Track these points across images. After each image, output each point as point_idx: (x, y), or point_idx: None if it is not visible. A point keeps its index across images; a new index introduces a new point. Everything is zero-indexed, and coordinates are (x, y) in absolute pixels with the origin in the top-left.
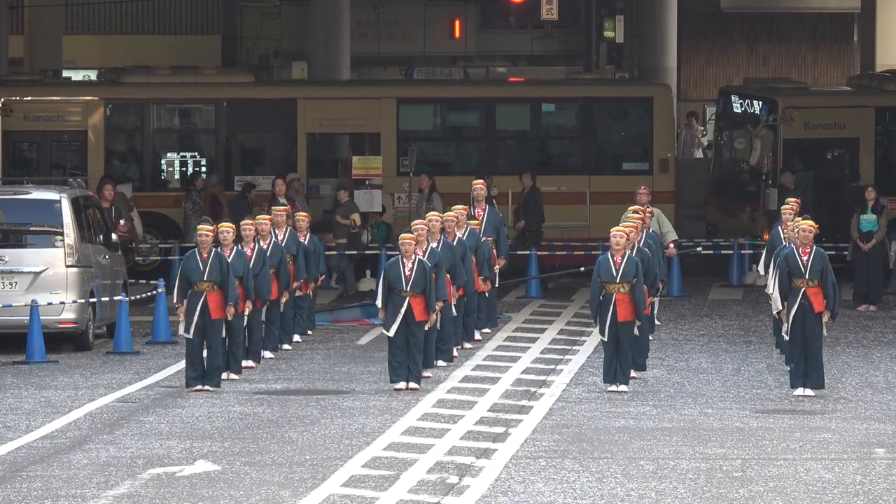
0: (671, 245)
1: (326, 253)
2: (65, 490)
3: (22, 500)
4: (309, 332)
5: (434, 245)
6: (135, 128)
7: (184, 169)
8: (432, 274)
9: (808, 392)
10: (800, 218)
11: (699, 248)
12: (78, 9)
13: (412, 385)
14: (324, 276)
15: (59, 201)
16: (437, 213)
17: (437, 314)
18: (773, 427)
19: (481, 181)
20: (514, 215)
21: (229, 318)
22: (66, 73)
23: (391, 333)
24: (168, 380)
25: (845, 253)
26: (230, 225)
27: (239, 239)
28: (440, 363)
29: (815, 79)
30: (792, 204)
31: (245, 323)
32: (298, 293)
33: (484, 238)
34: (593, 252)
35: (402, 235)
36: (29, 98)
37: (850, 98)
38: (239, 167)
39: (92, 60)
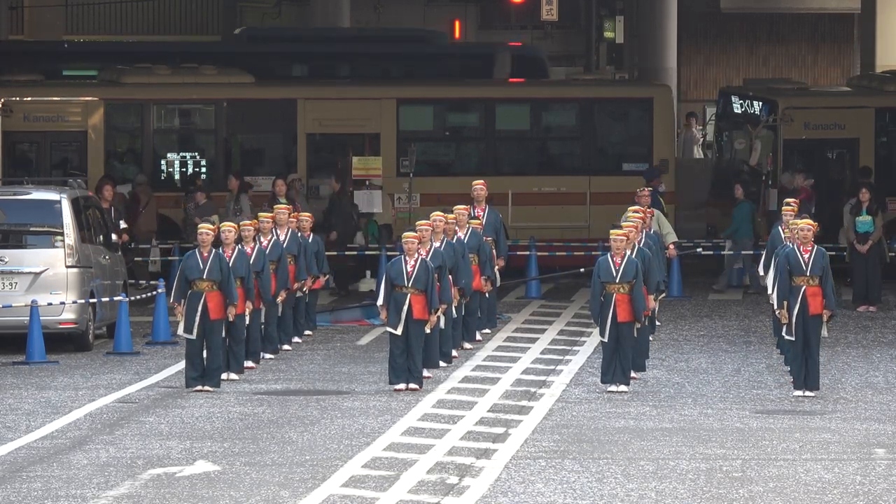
0: (671, 246)
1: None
2: (65, 490)
3: (22, 500)
4: (308, 333)
5: (437, 245)
6: (135, 128)
7: (184, 169)
8: (434, 275)
9: (808, 393)
10: (797, 219)
11: (699, 249)
12: (78, 9)
13: (412, 385)
14: (328, 276)
15: (59, 202)
16: (441, 214)
17: (437, 317)
18: (773, 427)
19: (481, 182)
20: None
21: (231, 319)
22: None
23: (399, 332)
24: (168, 380)
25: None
26: (232, 225)
27: (240, 239)
28: (440, 363)
29: (816, 79)
30: (793, 205)
31: (247, 323)
32: (299, 294)
33: (484, 238)
34: (593, 253)
35: (405, 234)
36: (29, 98)
37: (851, 98)
38: (239, 167)
39: None
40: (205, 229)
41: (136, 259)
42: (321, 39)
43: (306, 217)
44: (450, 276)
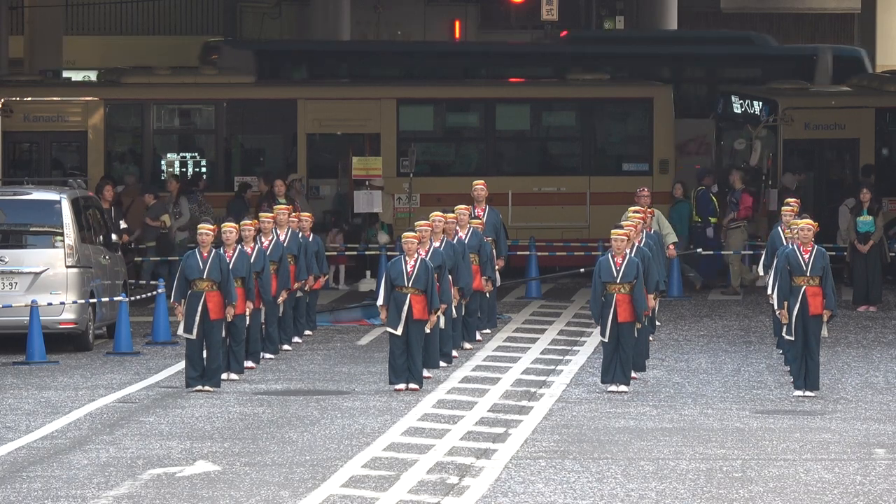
0: (671, 247)
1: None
2: (65, 490)
3: (22, 501)
4: (308, 333)
5: (437, 245)
6: (135, 128)
7: (184, 169)
8: (435, 275)
9: (808, 393)
10: (797, 219)
11: (699, 250)
12: (78, 9)
13: (412, 386)
14: (327, 276)
15: (59, 202)
16: (440, 214)
17: (437, 317)
18: (773, 427)
19: (482, 182)
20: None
21: (229, 319)
22: (66, 74)
23: (399, 332)
24: (168, 380)
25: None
26: (233, 225)
27: (240, 239)
28: (440, 364)
29: None
30: (793, 205)
31: (247, 323)
32: (300, 294)
33: (484, 238)
34: (593, 253)
35: (405, 234)
36: (29, 98)
37: (851, 99)
38: (239, 168)
39: (92, 61)
40: (204, 229)
41: (136, 259)
42: (640, 41)
43: (307, 217)
44: (450, 276)
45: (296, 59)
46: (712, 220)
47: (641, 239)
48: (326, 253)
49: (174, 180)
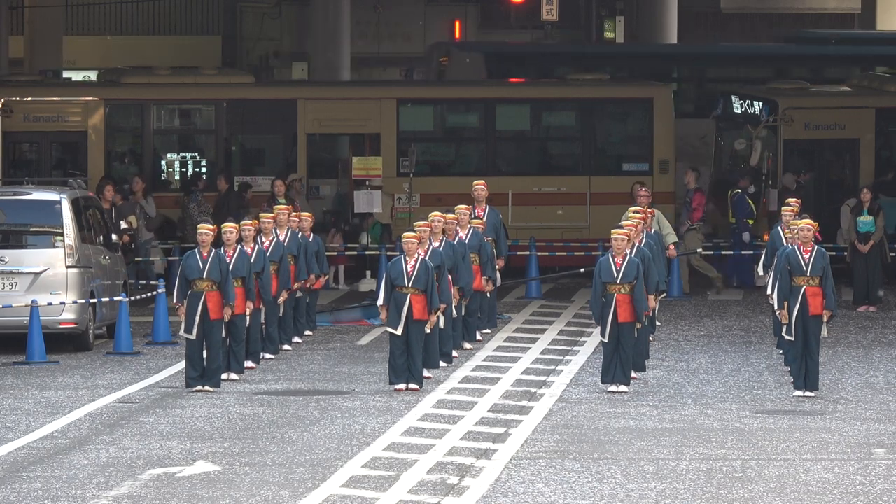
0: (671, 247)
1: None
2: (65, 490)
3: (22, 501)
4: (308, 333)
5: (436, 245)
6: (135, 128)
7: (184, 170)
8: (434, 275)
9: (808, 393)
10: (797, 219)
11: (699, 250)
12: (78, 9)
13: (412, 386)
14: (327, 276)
15: (60, 202)
16: (439, 214)
17: (437, 317)
18: (773, 427)
19: (482, 182)
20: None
21: (226, 320)
22: (66, 74)
23: (399, 332)
24: (168, 380)
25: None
26: (233, 225)
27: (240, 239)
28: (440, 364)
29: None
30: (793, 205)
31: (247, 323)
32: (299, 294)
33: (485, 238)
34: (593, 253)
35: (405, 234)
36: (29, 98)
37: (851, 99)
38: (239, 168)
39: (92, 61)
40: (204, 229)
41: (136, 259)
42: (883, 40)
43: (307, 217)
44: (449, 277)
45: (523, 61)
46: (750, 221)
47: (642, 239)
48: (326, 253)
49: (140, 180)
